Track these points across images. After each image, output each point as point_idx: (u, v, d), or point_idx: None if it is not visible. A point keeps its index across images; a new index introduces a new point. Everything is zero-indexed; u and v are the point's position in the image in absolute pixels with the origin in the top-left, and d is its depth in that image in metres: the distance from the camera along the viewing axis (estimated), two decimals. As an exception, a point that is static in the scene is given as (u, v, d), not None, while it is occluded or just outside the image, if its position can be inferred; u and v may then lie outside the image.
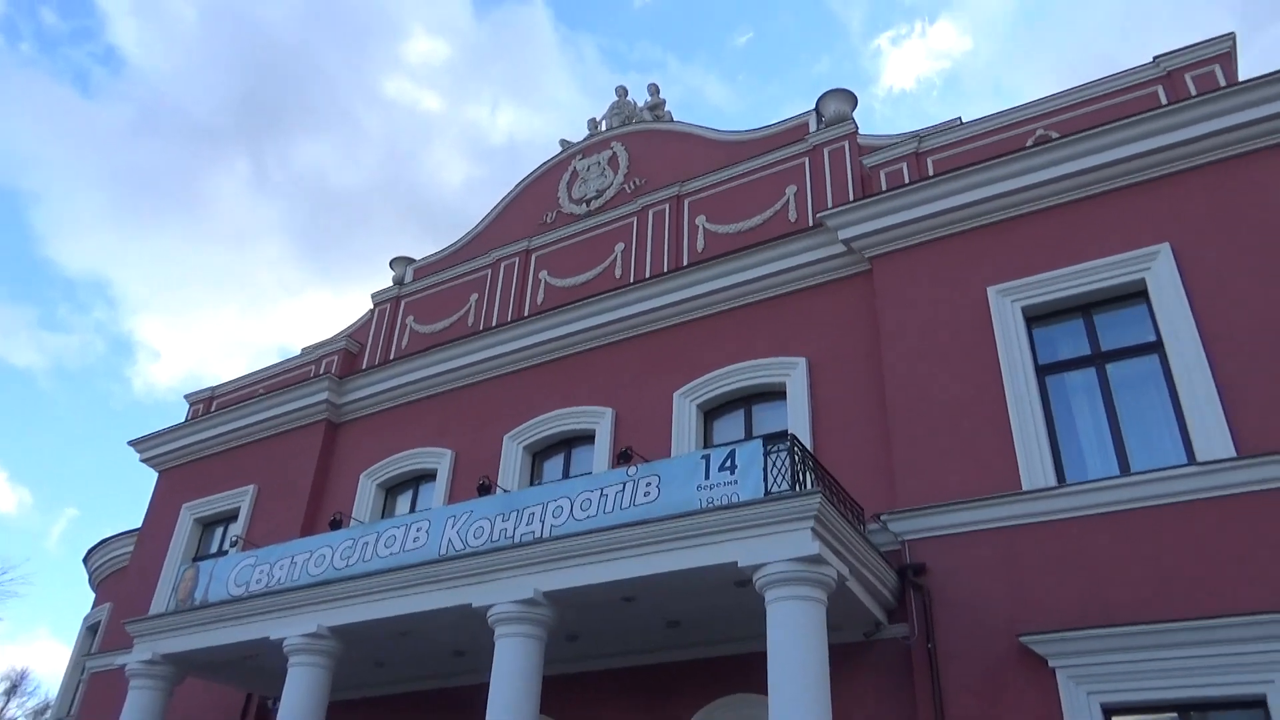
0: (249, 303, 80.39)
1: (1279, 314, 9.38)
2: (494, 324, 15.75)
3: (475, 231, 17.80)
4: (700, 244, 14.34)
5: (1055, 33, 52.72)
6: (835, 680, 8.71)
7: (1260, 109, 10.25)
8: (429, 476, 15.04)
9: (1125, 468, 9.64)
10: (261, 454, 17.12)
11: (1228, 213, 10.17)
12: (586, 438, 13.60)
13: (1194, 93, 11.22)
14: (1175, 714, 8.45)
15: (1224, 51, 11.56)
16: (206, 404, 19.31)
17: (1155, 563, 8.84)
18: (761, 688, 8.45)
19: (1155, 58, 11.89)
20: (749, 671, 9.59)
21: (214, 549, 16.91)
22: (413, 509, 14.76)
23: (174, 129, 71.85)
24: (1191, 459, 9.19)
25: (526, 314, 15.46)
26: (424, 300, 17.51)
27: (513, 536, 10.30)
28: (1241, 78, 11.16)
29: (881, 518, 10.16)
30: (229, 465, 17.52)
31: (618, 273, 14.90)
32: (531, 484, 13.66)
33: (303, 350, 18.48)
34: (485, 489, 11.79)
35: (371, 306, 18.21)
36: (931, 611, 9.52)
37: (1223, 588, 8.45)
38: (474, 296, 16.59)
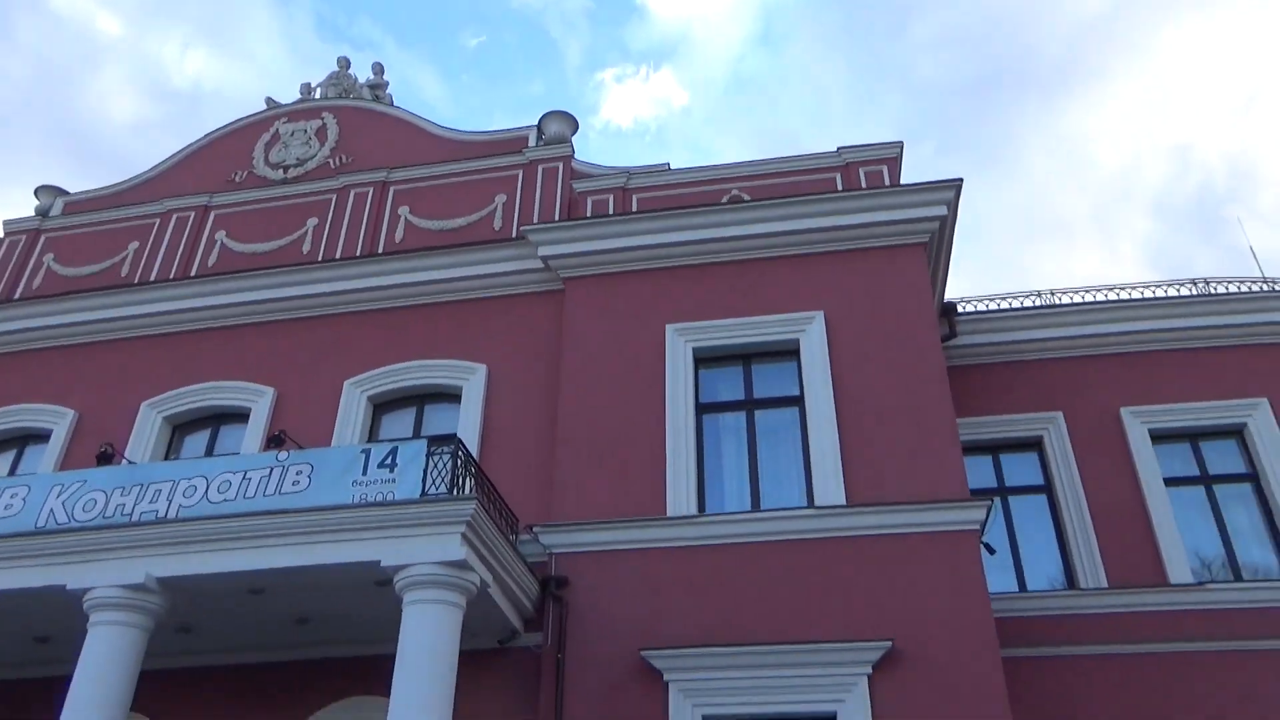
0: None
1: (901, 389, 10.81)
2: (152, 278, 14.14)
3: (147, 176, 15.94)
4: (399, 235, 13.90)
5: (759, 104, 57.91)
6: (463, 685, 8.66)
7: (910, 210, 11.87)
8: (39, 438, 13.06)
9: (756, 505, 10.59)
10: None
11: (873, 294, 11.60)
12: (240, 416, 12.54)
13: (864, 185, 12.76)
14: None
15: (893, 156, 13.25)
16: None
17: (771, 591, 9.75)
18: (384, 690, 8.20)
19: (839, 148, 13.36)
20: (373, 674, 9.25)
21: None
22: (12, 473, 12.70)
23: None
24: (811, 503, 10.29)
25: (194, 274, 14.06)
26: (71, 239, 15.34)
27: (130, 514, 9.24)
28: (902, 182, 12.86)
29: (534, 529, 10.33)
30: None
31: (306, 247, 14.02)
32: (166, 459, 12.32)
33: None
34: (106, 457, 10.51)
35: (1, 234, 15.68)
36: (566, 623, 9.80)
37: (818, 617, 9.52)
38: (134, 244, 14.80)
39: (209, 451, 12.38)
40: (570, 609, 9.89)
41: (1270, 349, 12.81)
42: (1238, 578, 11.51)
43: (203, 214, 14.89)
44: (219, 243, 14.47)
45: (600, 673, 9.56)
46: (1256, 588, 11.19)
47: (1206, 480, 12.34)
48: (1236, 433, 12.45)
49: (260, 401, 12.39)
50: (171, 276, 14.06)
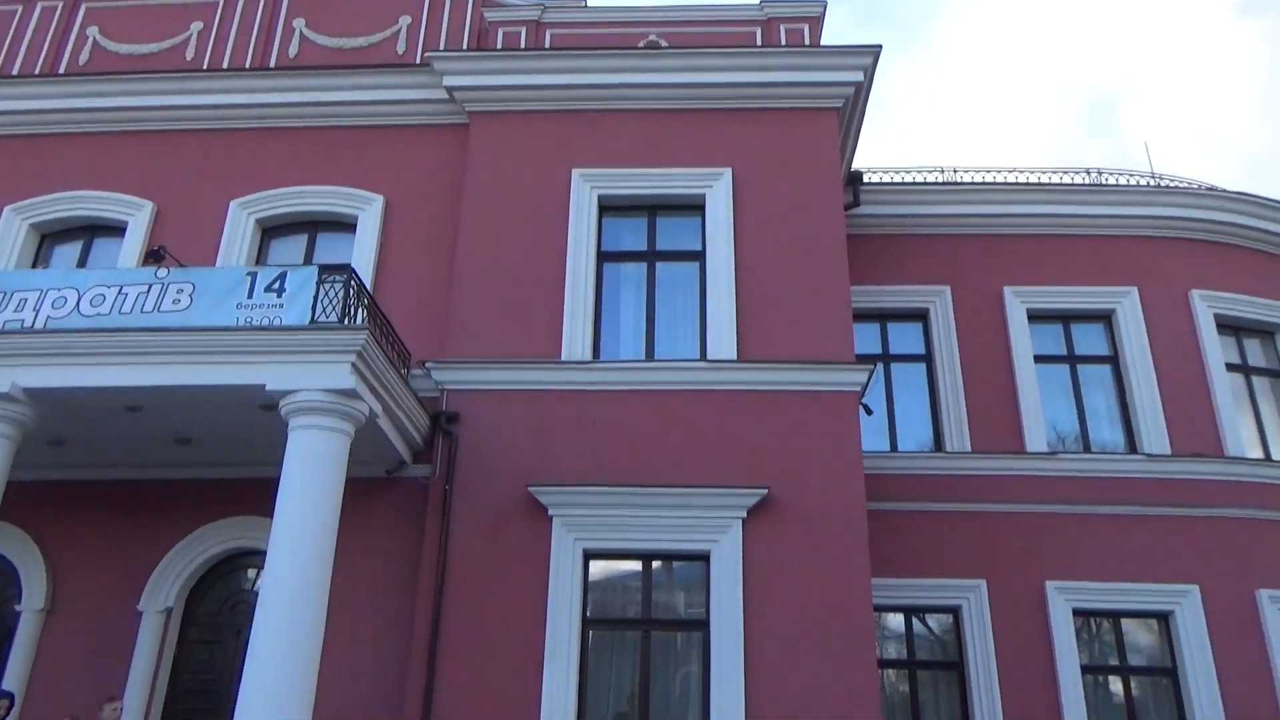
0: None
1: (800, 252, 10.95)
2: (14, 73, 12.90)
3: (8, -44, 14.28)
4: (294, 49, 12.96)
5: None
6: (350, 511, 8.77)
7: (827, 74, 11.72)
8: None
9: (650, 354, 10.75)
10: None
11: (783, 155, 11.54)
12: (115, 230, 11.81)
13: (784, 43, 12.50)
14: (640, 561, 9.82)
15: (815, 15, 12.89)
16: None
17: (657, 437, 10.04)
18: (268, 511, 8.20)
19: (762, 2, 12.94)
20: (258, 495, 9.24)
21: None
22: None
23: None
24: (703, 356, 10.51)
25: (62, 71, 12.88)
26: (-84, 22, 13.76)
27: (-8, 322, 8.71)
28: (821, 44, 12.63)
29: (426, 364, 10.27)
30: None
31: (189, 54, 12.95)
32: (34, 268, 11.59)
33: None
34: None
35: None
36: (456, 457, 9.93)
37: (700, 464, 9.90)
38: (-9, 34, 13.40)
39: (81, 265, 11.69)
40: (460, 444, 9.99)
41: (1147, 242, 13.46)
42: (1088, 451, 12.45)
43: (72, 6, 13.52)
44: (90, 39, 13.22)
45: (487, 506, 9.79)
46: (1102, 459, 12.15)
47: (1072, 360, 13.12)
48: (1105, 317, 13.20)
49: (138, 216, 11.68)
50: (36, 72, 12.86)
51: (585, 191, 11.41)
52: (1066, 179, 13.89)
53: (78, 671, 9.40)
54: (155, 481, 10.17)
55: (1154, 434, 12.23)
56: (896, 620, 11.76)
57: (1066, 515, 11.69)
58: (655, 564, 9.93)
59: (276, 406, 8.44)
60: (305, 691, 7.59)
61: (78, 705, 8.23)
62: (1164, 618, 11.43)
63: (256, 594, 8.17)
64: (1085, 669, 11.16)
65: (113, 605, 9.70)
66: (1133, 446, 12.38)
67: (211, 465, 10.01)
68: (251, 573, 9.96)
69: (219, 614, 9.95)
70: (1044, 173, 14.02)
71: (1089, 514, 11.68)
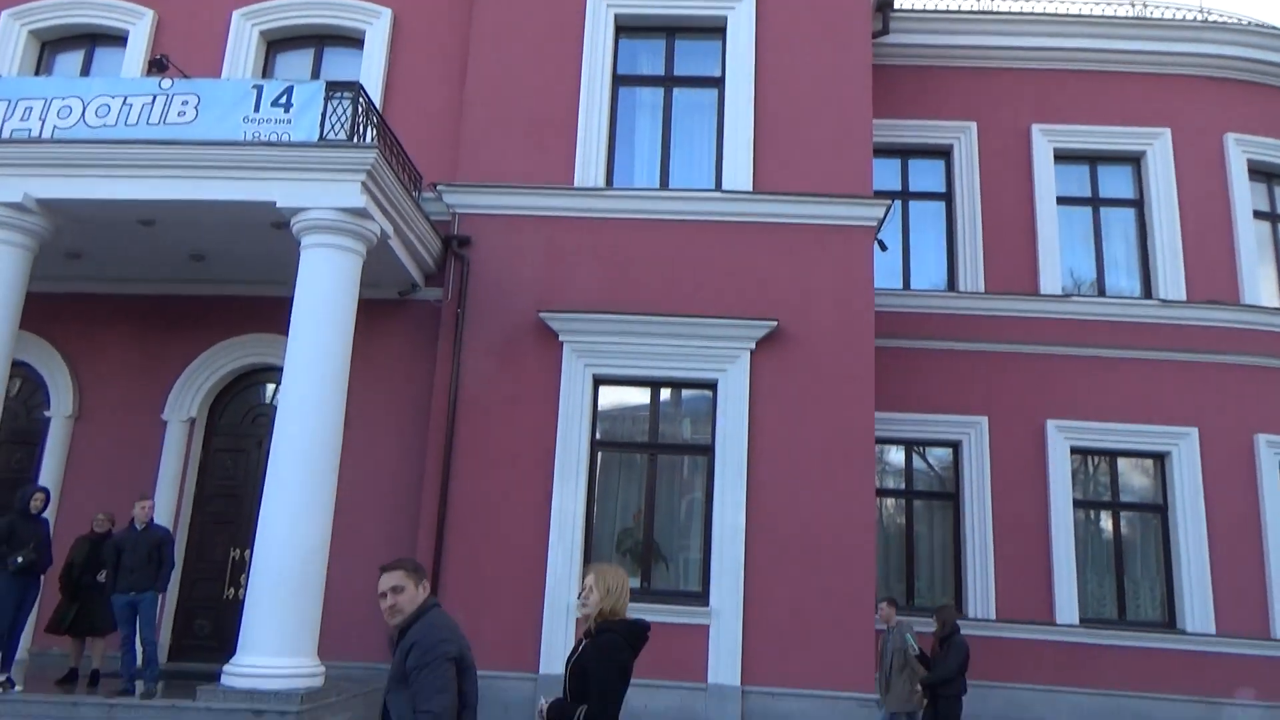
0: None
1: (823, 81, 10.55)
2: None
3: None
4: None
5: None
6: (364, 332, 8.91)
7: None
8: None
9: (665, 183, 10.58)
10: None
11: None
12: (116, 39, 11.45)
13: None
14: (649, 388, 10.02)
15: None
16: None
17: (670, 267, 10.03)
18: (284, 329, 8.34)
19: None
20: (273, 313, 9.38)
21: None
22: None
23: None
24: (718, 186, 10.33)
25: None
26: None
27: (-1, 130, 8.61)
28: None
29: (438, 187, 10.16)
30: None
31: None
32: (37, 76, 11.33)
33: None
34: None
35: None
36: (467, 281, 9.98)
37: (712, 295, 9.92)
38: None
39: (84, 75, 11.41)
40: (472, 268, 10.01)
41: (1185, 81, 12.85)
42: (1102, 295, 12.38)
43: None
44: None
45: (498, 330, 9.92)
46: (1115, 303, 12.09)
47: (1096, 202, 12.82)
48: (1135, 160, 12.80)
49: (139, 24, 11.29)
50: None
51: (601, 9, 10.90)
52: (1110, 10, 13.17)
53: (108, 474, 9.84)
54: (174, 297, 10.32)
55: (1171, 280, 12.11)
56: (897, 453, 12.08)
57: (1074, 358, 11.75)
58: (664, 392, 10.13)
59: (288, 225, 8.42)
60: (325, 498, 7.95)
61: (110, 503, 8.65)
62: (1160, 458, 11.68)
63: (275, 407, 8.41)
64: (1078, 504, 11.53)
65: (138, 414, 10.04)
66: (1148, 292, 12.30)
67: (228, 282, 10.12)
68: (270, 388, 10.24)
69: (240, 425, 10.30)
70: (1086, 2, 13.29)
71: (1096, 357, 11.74)
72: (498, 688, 9.02)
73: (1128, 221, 12.82)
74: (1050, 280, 12.12)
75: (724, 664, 9.05)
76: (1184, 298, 11.97)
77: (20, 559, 7.40)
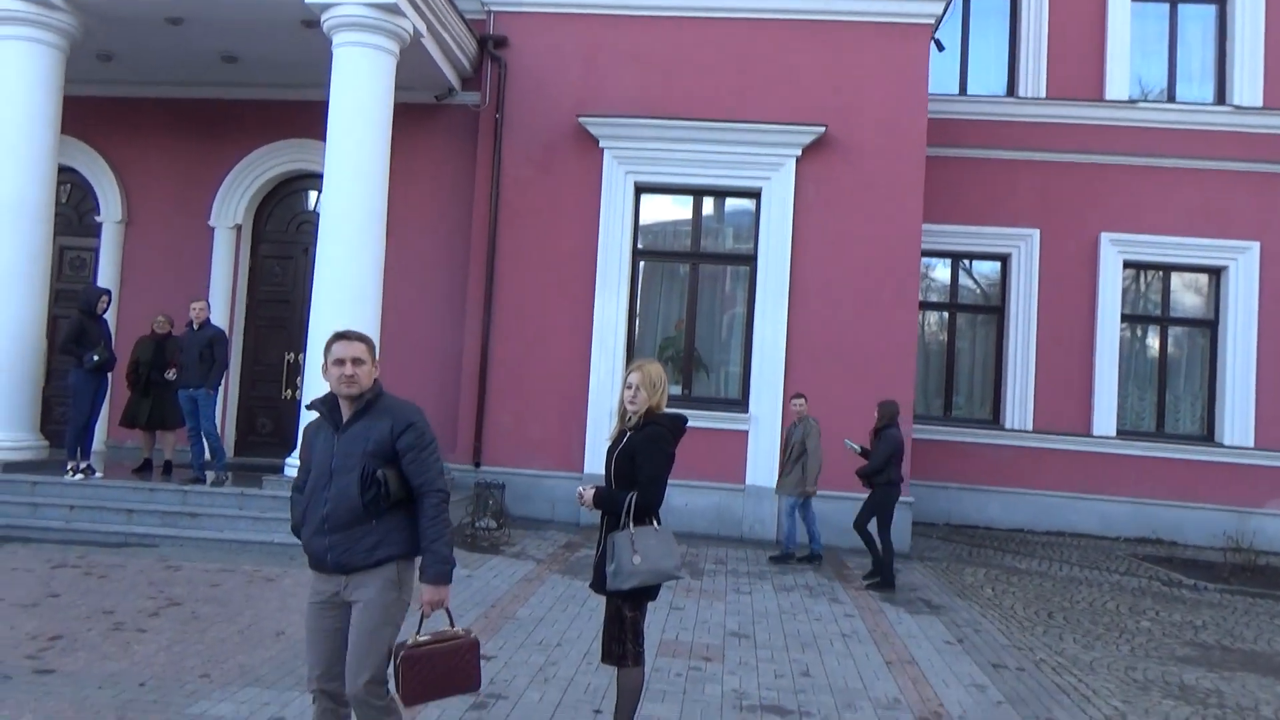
0: None
1: None
2: None
3: None
4: None
5: None
6: (401, 138, 8.78)
7: None
8: None
9: (712, -19, 9.97)
10: None
11: None
12: None
13: None
14: (691, 196, 9.87)
15: None
16: None
17: (714, 69, 9.62)
18: (322, 134, 8.23)
19: None
20: (310, 118, 9.26)
21: None
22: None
23: None
24: (769, -15, 9.72)
25: None
26: None
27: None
28: None
29: (472, -18, 9.71)
30: None
31: None
32: None
33: None
34: None
35: None
36: (505, 84, 9.70)
37: (757, 99, 9.54)
38: None
39: None
40: (509, 70, 9.70)
41: None
42: (1172, 102, 11.70)
43: None
44: None
45: (537, 136, 9.71)
46: (1185, 109, 11.45)
47: (1175, -1, 11.93)
48: (1221, -49, 11.77)
49: None
50: None
51: None
52: None
53: (161, 278, 10.09)
54: (210, 101, 10.19)
55: (1248, 85, 11.39)
56: (943, 267, 11.91)
57: (1135, 168, 11.28)
58: (706, 202, 9.96)
59: (319, 23, 8.14)
60: (372, 298, 8.10)
61: (165, 307, 8.90)
62: (1216, 273, 11.40)
63: (319, 214, 8.43)
64: (1125, 318, 11.40)
65: (185, 220, 10.16)
66: (1221, 99, 11.61)
67: (264, 85, 9.94)
68: (312, 195, 10.24)
69: (286, 232, 10.38)
70: None
71: (1159, 167, 11.25)
72: (545, 486, 9.48)
73: (1207, 21, 11.93)
74: (1117, 85, 11.46)
75: (761, 467, 9.34)
76: (1260, 104, 11.28)
77: (95, 357, 7.72)
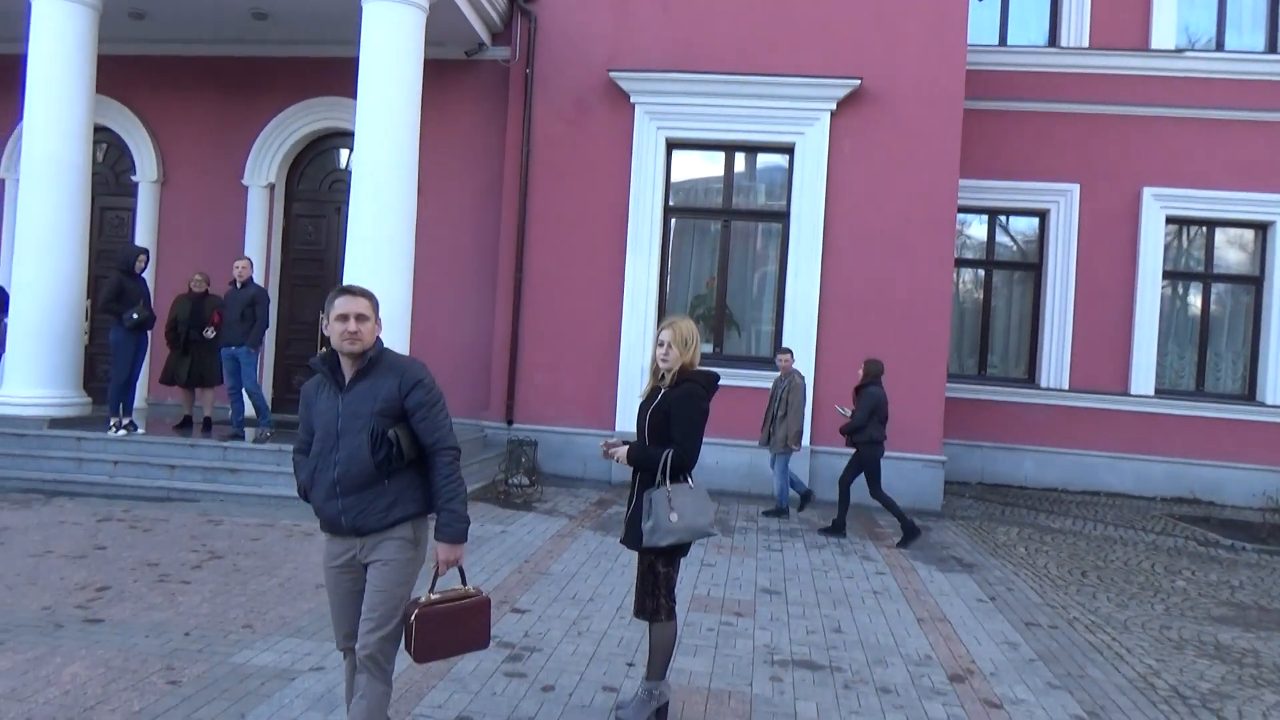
0: None
1: None
2: None
3: None
4: None
5: None
6: (432, 94, 8.75)
7: None
8: None
9: (743, -72, 9.75)
10: None
11: None
12: None
13: None
14: (723, 151, 9.75)
15: None
16: None
17: (746, 21, 9.45)
18: (352, 92, 8.21)
19: None
20: (344, 76, 9.23)
21: None
22: None
23: None
24: (801, -69, 9.48)
25: None
26: None
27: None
28: None
29: (501, -66, 9.57)
30: None
31: None
32: None
33: None
34: None
35: None
36: (535, 38, 9.59)
37: (791, 52, 9.37)
38: None
39: None
40: (539, 24, 9.59)
41: None
42: (1220, 50, 11.33)
43: None
44: None
45: (568, 91, 9.63)
46: (1234, 58, 11.07)
47: (1227, -58, 11.48)
48: (1278, -111, 11.29)
49: None
50: None
51: None
52: None
53: (197, 237, 10.20)
54: (241, 59, 10.19)
55: (1303, 32, 11.00)
56: (980, 223, 11.71)
57: (1180, 120, 10.96)
58: (738, 158, 9.84)
59: (349, -22, 8.09)
60: (404, 256, 8.13)
61: (201, 265, 9.00)
62: (1263, 228, 11.10)
63: (350, 173, 8.43)
64: (1167, 275, 11.17)
65: (219, 179, 10.23)
66: (1273, 47, 11.22)
67: (294, 42, 9.91)
68: (344, 153, 10.24)
69: (319, 191, 10.42)
70: None
71: (1206, 119, 10.92)
72: (577, 443, 9.54)
73: (1262, -37, 11.49)
74: (1164, 34, 11.11)
75: (793, 424, 9.31)
76: (1314, 51, 10.90)
77: (135, 315, 7.82)
